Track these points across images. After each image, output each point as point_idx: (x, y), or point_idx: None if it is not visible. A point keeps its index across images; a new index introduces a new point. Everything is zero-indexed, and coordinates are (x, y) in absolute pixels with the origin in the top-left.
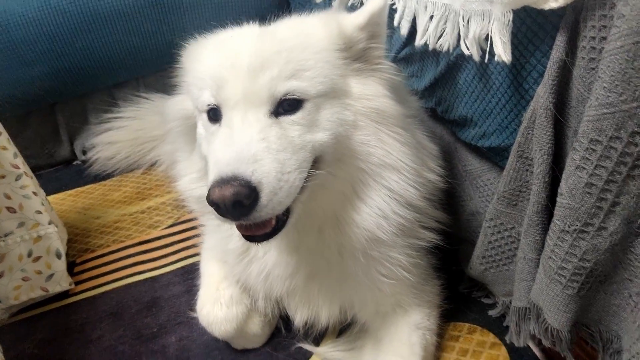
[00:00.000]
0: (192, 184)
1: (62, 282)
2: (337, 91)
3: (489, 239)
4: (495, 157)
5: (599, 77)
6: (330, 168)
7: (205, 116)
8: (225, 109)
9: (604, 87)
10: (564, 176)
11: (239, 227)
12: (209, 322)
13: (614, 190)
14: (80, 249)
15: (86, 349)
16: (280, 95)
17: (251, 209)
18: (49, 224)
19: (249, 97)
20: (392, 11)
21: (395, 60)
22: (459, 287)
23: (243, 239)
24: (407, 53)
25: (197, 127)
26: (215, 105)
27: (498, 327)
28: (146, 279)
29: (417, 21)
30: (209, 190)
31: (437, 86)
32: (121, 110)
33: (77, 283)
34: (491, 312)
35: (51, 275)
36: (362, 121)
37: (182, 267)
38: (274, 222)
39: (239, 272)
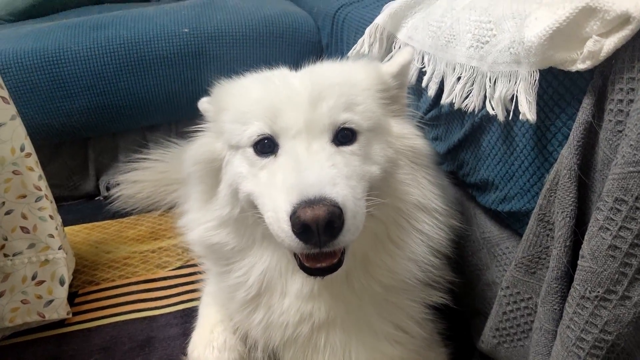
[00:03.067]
0: (208, 232)
1: (60, 310)
2: (382, 128)
3: (504, 309)
4: (515, 223)
5: (626, 135)
6: (373, 207)
7: (250, 150)
8: (285, 138)
9: (631, 144)
10: (586, 237)
11: (306, 258)
12: None
13: (639, 255)
14: (85, 281)
15: None
16: (339, 123)
17: (338, 232)
18: (59, 249)
19: (311, 126)
20: (421, 74)
21: (421, 122)
22: None
23: (304, 274)
24: (434, 115)
25: (233, 167)
26: (269, 135)
27: None
28: (145, 317)
29: (445, 82)
30: (295, 213)
31: (460, 148)
32: (150, 151)
33: (75, 314)
34: None
35: (50, 301)
36: (401, 160)
37: (183, 310)
38: (340, 253)
39: (239, 320)
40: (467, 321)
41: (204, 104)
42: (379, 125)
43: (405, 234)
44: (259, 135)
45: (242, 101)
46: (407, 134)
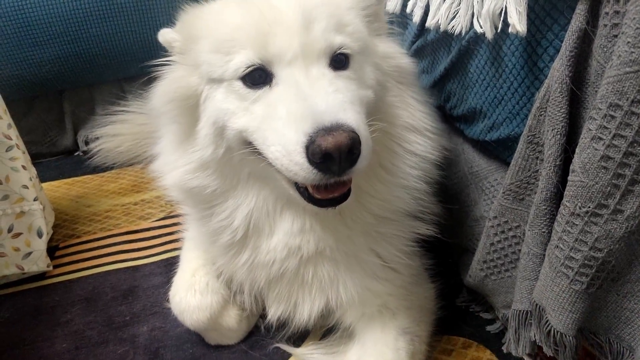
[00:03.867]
0: (187, 175)
1: (39, 262)
2: (369, 49)
3: (492, 240)
4: (504, 152)
5: (623, 32)
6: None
7: (239, 83)
8: (279, 66)
9: (628, 42)
10: (577, 150)
11: (318, 190)
12: (181, 309)
13: (633, 165)
14: (65, 234)
15: (52, 331)
16: (335, 47)
17: (357, 159)
18: (35, 200)
19: (307, 50)
20: (405, 1)
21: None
22: (456, 300)
23: (315, 207)
24: (420, 45)
25: (216, 102)
26: (260, 64)
27: (496, 344)
28: (127, 268)
29: (430, 3)
30: (314, 142)
31: (447, 78)
32: (128, 103)
33: (56, 266)
34: (489, 328)
35: (29, 254)
36: (389, 82)
37: (167, 259)
38: (350, 182)
39: (223, 264)
40: (455, 258)
41: (167, 34)
42: (367, 47)
43: (397, 158)
44: (248, 67)
45: (220, 28)
46: (392, 52)
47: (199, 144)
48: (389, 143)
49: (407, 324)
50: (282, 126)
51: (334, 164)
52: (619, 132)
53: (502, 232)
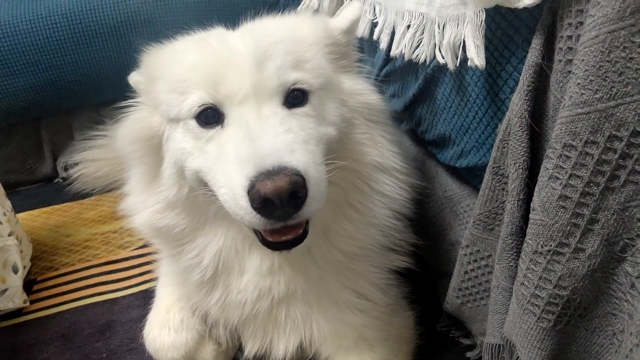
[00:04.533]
0: (155, 215)
1: (15, 299)
2: (333, 85)
3: (465, 268)
4: (474, 179)
5: (574, 73)
6: (333, 172)
7: (193, 122)
8: (230, 106)
9: (578, 83)
10: (536, 188)
11: (269, 233)
12: (155, 348)
13: (591, 204)
14: (44, 267)
15: None
16: (289, 84)
17: (302, 203)
18: (9, 235)
19: (259, 89)
20: (373, 25)
21: (377, 80)
22: (436, 325)
23: (268, 250)
24: (389, 70)
25: (175, 142)
26: (211, 104)
27: None
28: (105, 301)
29: (395, 32)
30: (253, 187)
31: (416, 104)
32: (106, 128)
33: (34, 301)
34: (469, 354)
35: (4, 291)
36: (357, 119)
37: (145, 290)
38: (304, 224)
39: (197, 301)
40: (435, 281)
41: (133, 77)
42: (330, 83)
43: (365, 197)
44: (200, 106)
45: (177, 68)
46: (360, 89)
47: (164, 184)
48: (357, 182)
49: (384, 356)
50: (229, 168)
51: (276, 209)
52: (574, 172)
53: (475, 260)
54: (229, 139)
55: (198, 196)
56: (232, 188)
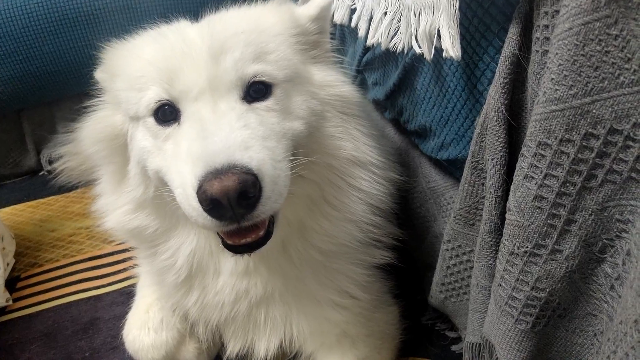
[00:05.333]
0: (126, 217)
1: None
2: (301, 77)
3: (447, 263)
4: (456, 171)
5: (548, 67)
6: (300, 167)
7: (151, 120)
8: (186, 102)
9: (552, 79)
10: (512, 188)
11: (228, 235)
12: (135, 348)
13: (567, 204)
14: (28, 263)
15: None
16: (249, 77)
17: (256, 202)
18: None
19: (215, 84)
20: (352, 12)
21: (359, 68)
22: (422, 318)
23: (229, 253)
24: (369, 58)
25: (136, 141)
26: (167, 100)
27: None
28: (89, 298)
29: (372, 19)
30: (201, 187)
31: (397, 93)
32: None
33: (17, 299)
34: (455, 347)
35: None
36: (329, 112)
37: (130, 286)
38: (266, 224)
39: (176, 301)
40: (420, 274)
41: (97, 74)
42: (298, 74)
43: (341, 193)
44: (156, 102)
45: (134, 64)
46: (331, 81)
47: (131, 184)
48: (333, 177)
49: (367, 353)
50: (182, 167)
51: (226, 210)
52: (550, 171)
53: (457, 255)
54: (184, 136)
55: (165, 196)
56: (184, 188)
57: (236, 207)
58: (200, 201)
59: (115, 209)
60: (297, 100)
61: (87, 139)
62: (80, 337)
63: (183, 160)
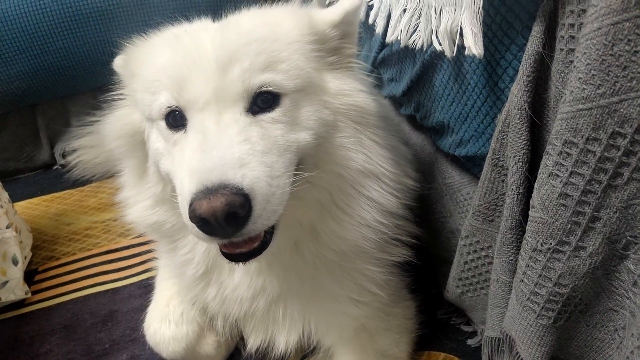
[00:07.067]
0: (146, 211)
1: (16, 290)
2: (314, 87)
3: (465, 259)
4: (474, 168)
5: (575, 66)
6: (303, 181)
7: (163, 124)
8: (192, 111)
9: (580, 78)
10: (536, 185)
11: (223, 245)
12: (156, 341)
13: (592, 202)
14: (45, 257)
15: None
16: (255, 88)
17: (245, 221)
18: (7, 227)
19: (221, 95)
20: (369, 9)
21: (374, 64)
22: (437, 312)
23: (227, 260)
24: (386, 54)
25: (151, 142)
26: (176, 107)
27: (477, 358)
28: (107, 290)
29: (391, 15)
30: (191, 205)
31: (414, 89)
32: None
33: (35, 292)
34: (470, 342)
35: (5, 283)
36: (341, 122)
37: (147, 279)
38: (262, 235)
39: (195, 295)
40: (435, 268)
41: (116, 62)
42: (310, 84)
43: (351, 200)
44: (167, 108)
45: (149, 67)
46: (347, 90)
47: (150, 180)
48: (343, 185)
49: (386, 347)
50: (184, 178)
51: (216, 229)
52: (575, 169)
53: (475, 251)
54: (188, 145)
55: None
56: (183, 198)
57: (225, 227)
58: (191, 218)
59: (136, 202)
60: (307, 111)
61: (109, 135)
62: (100, 329)
63: (185, 171)
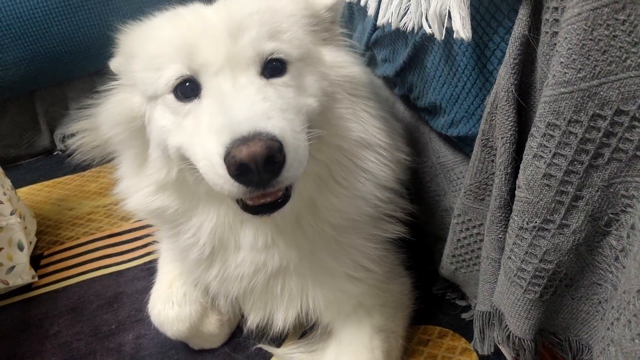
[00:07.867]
0: (147, 198)
1: (23, 275)
2: (312, 58)
3: (458, 236)
4: (466, 147)
5: (557, 51)
6: (313, 142)
7: (171, 97)
8: (206, 76)
9: (561, 62)
10: (521, 166)
11: (250, 197)
12: (161, 321)
13: (575, 182)
14: (49, 241)
15: (41, 345)
16: (266, 54)
17: (281, 167)
18: (11, 214)
19: (234, 60)
20: None
21: (368, 44)
22: (432, 288)
23: (249, 215)
24: (378, 36)
25: (154, 121)
26: (188, 76)
27: (470, 332)
28: (111, 273)
29: None
30: (229, 154)
31: (407, 70)
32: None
33: (42, 276)
34: (465, 315)
35: (12, 268)
36: (339, 93)
37: (150, 262)
38: (284, 190)
39: (197, 276)
40: (430, 245)
41: (113, 62)
42: (309, 55)
43: (349, 173)
44: (177, 78)
45: (151, 45)
46: (341, 62)
47: (152, 167)
48: (341, 158)
49: (382, 322)
50: (206, 139)
51: (253, 175)
52: (558, 151)
53: (467, 229)
54: (205, 110)
55: (187, 177)
56: (210, 158)
57: (263, 172)
58: (228, 167)
59: (136, 191)
60: (309, 79)
61: (105, 122)
62: (106, 310)
63: (206, 133)
